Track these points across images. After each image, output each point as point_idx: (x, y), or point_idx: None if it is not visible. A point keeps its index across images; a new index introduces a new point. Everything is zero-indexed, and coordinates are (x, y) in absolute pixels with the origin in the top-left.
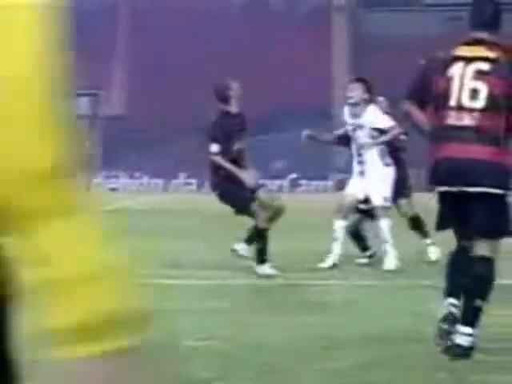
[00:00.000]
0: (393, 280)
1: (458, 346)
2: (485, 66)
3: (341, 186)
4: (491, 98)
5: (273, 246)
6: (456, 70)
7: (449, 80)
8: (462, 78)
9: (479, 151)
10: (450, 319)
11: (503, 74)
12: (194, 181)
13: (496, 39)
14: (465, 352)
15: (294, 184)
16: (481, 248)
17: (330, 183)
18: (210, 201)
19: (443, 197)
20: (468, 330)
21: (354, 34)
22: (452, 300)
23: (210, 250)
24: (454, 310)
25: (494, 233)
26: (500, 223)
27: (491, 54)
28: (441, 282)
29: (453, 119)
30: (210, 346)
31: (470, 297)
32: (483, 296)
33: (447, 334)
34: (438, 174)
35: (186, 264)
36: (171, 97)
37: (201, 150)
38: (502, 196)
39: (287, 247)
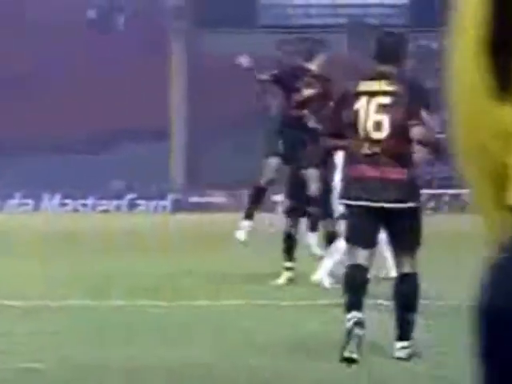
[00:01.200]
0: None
1: (399, 359)
2: (386, 100)
3: (178, 206)
4: (394, 127)
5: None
6: (361, 104)
7: (356, 113)
8: (366, 111)
9: (390, 172)
10: (353, 333)
11: (403, 104)
12: (30, 201)
13: (399, 71)
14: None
15: (133, 204)
16: (405, 265)
17: (167, 203)
18: (47, 221)
19: (354, 211)
20: (405, 343)
21: (191, 55)
22: (353, 314)
23: (47, 269)
24: (353, 323)
25: (416, 248)
26: (418, 237)
27: (391, 88)
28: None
29: (363, 148)
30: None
31: (403, 313)
32: (414, 310)
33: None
34: (354, 190)
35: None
36: (4, 116)
37: (39, 169)
38: (418, 211)
39: (123, 268)
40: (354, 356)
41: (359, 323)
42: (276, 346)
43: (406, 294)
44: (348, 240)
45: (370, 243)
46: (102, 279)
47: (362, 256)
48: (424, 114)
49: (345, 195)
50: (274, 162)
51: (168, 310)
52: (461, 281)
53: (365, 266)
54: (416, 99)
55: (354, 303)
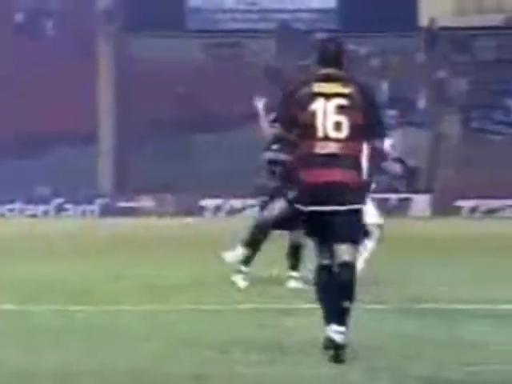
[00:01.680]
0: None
1: (332, 340)
2: (343, 102)
3: (106, 210)
4: (352, 128)
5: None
6: (318, 105)
7: (313, 114)
8: (324, 112)
9: (345, 175)
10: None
11: (358, 106)
12: None
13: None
14: (339, 347)
15: (60, 208)
16: (345, 254)
17: (96, 208)
18: None
19: (312, 215)
20: (341, 328)
21: (120, 59)
22: (333, 327)
23: None
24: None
25: (357, 239)
26: (360, 232)
27: (346, 90)
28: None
29: (320, 148)
30: None
31: (339, 300)
32: (351, 298)
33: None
34: (310, 196)
35: None
36: None
37: None
38: (361, 210)
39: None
40: (334, 337)
41: (332, 341)
42: (203, 350)
43: (344, 280)
44: (311, 239)
45: (327, 240)
46: (30, 284)
47: (323, 255)
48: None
49: (300, 201)
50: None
51: (96, 315)
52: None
53: (328, 263)
54: (370, 102)
55: (331, 313)
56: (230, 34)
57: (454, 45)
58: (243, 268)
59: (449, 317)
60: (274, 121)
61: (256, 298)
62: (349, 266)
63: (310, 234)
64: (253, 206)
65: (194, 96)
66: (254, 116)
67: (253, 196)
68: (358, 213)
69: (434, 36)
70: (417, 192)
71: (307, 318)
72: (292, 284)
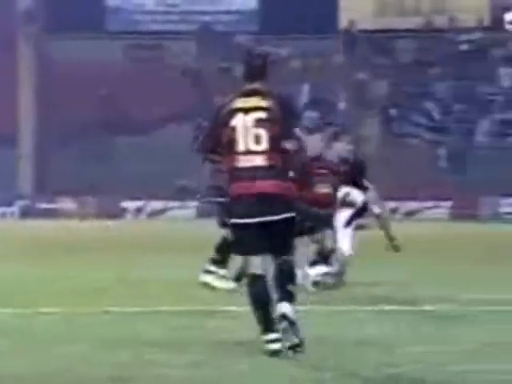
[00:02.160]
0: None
1: (284, 315)
2: (262, 115)
3: (26, 212)
4: (271, 140)
5: None
6: (238, 120)
7: (233, 129)
8: (244, 126)
9: (270, 186)
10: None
11: (276, 118)
12: None
13: (268, 87)
14: (291, 322)
15: None
16: (282, 264)
17: (16, 209)
18: None
19: (242, 227)
20: (288, 306)
21: (40, 60)
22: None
23: None
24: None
25: (291, 250)
26: (292, 242)
27: (265, 104)
28: None
29: (243, 162)
30: None
31: (284, 287)
32: (293, 301)
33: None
34: (239, 209)
35: None
36: None
37: None
38: (294, 218)
39: None
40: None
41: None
42: (124, 352)
43: (286, 272)
44: (240, 252)
45: (260, 251)
46: None
47: (256, 265)
48: (295, 129)
49: (228, 214)
50: None
51: (14, 317)
52: None
53: (261, 273)
54: (287, 115)
55: (267, 321)
56: (151, 35)
57: (373, 47)
58: (220, 271)
59: (366, 317)
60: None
61: (180, 300)
62: (289, 274)
63: (239, 246)
64: (173, 208)
65: (114, 98)
66: (173, 118)
67: (174, 198)
68: (290, 222)
69: (354, 38)
70: None
71: (231, 319)
72: (206, 278)
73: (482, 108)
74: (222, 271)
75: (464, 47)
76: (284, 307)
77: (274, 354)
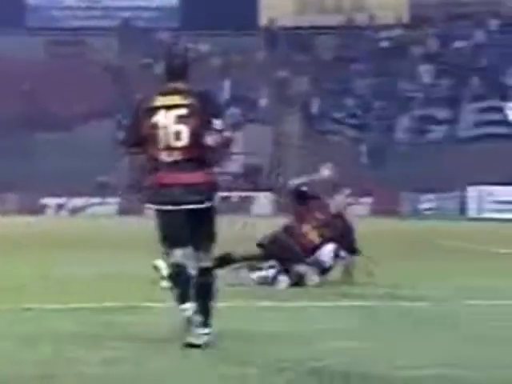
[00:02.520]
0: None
1: (196, 346)
2: (183, 112)
3: None
4: (192, 136)
5: None
6: (159, 117)
7: (155, 126)
8: (165, 123)
9: (191, 177)
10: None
11: (197, 115)
12: None
13: (188, 86)
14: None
15: None
16: (204, 260)
17: None
18: None
19: (163, 215)
20: (205, 330)
21: None
22: (187, 305)
23: None
24: (188, 313)
25: (212, 245)
26: (213, 236)
27: (186, 101)
28: None
29: (164, 156)
30: None
31: (204, 302)
32: (212, 299)
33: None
34: (162, 197)
35: None
36: None
37: None
38: (214, 208)
39: None
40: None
41: (196, 312)
42: (45, 349)
43: (206, 286)
44: (163, 242)
45: (183, 242)
46: None
47: (178, 255)
48: (217, 122)
49: (151, 201)
50: None
51: None
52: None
53: (182, 263)
54: (208, 109)
55: (185, 296)
56: (72, 31)
57: (294, 44)
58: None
59: (292, 312)
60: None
61: (100, 297)
62: (207, 271)
63: (163, 237)
64: (94, 204)
65: (35, 95)
66: (94, 114)
67: (95, 194)
68: (210, 211)
69: (275, 35)
70: (259, 190)
71: (152, 316)
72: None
73: (402, 105)
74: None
75: (384, 44)
76: (197, 338)
77: (188, 321)
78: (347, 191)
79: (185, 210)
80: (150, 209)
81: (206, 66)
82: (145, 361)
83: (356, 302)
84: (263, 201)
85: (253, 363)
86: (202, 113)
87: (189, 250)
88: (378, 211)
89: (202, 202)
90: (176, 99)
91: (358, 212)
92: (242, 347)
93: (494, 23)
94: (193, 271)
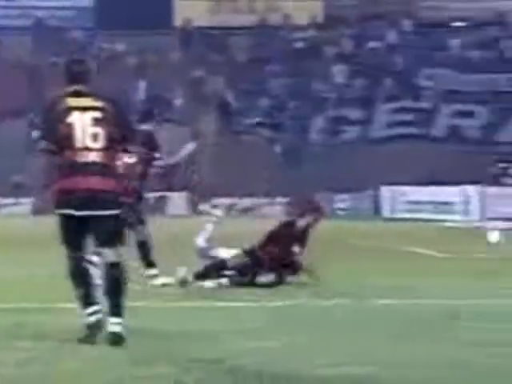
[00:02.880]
0: None
1: (114, 333)
2: (98, 114)
3: None
4: (108, 139)
5: None
6: (75, 118)
7: (70, 126)
8: (82, 124)
9: (103, 183)
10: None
11: (111, 119)
12: None
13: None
14: (120, 338)
15: None
16: (111, 255)
17: None
18: None
19: (68, 219)
20: (118, 319)
21: None
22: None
23: None
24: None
25: (119, 241)
26: (121, 234)
27: (99, 104)
28: None
29: (79, 157)
30: None
31: (115, 296)
32: (123, 293)
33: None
34: (69, 201)
35: None
36: None
37: None
38: (119, 215)
39: None
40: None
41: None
42: None
43: (115, 279)
44: (64, 245)
45: (82, 247)
46: None
47: (80, 258)
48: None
49: (58, 206)
50: None
51: None
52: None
53: (84, 266)
54: (121, 115)
55: (89, 298)
56: None
57: (209, 44)
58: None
59: (211, 312)
60: (41, 138)
61: (14, 298)
62: (117, 265)
63: (65, 238)
64: (7, 205)
65: None
66: (8, 114)
67: (9, 195)
68: (117, 218)
69: (190, 35)
70: (174, 190)
71: (65, 316)
72: (161, 280)
73: (316, 105)
74: (152, 270)
75: (298, 45)
76: (114, 326)
77: (92, 326)
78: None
79: (89, 215)
80: (55, 211)
81: (121, 66)
82: (58, 361)
83: (274, 303)
84: (178, 201)
85: (165, 363)
86: (116, 121)
87: (90, 252)
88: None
89: (109, 209)
90: (89, 101)
91: (273, 212)
92: (156, 347)
93: (407, 24)
94: (97, 271)
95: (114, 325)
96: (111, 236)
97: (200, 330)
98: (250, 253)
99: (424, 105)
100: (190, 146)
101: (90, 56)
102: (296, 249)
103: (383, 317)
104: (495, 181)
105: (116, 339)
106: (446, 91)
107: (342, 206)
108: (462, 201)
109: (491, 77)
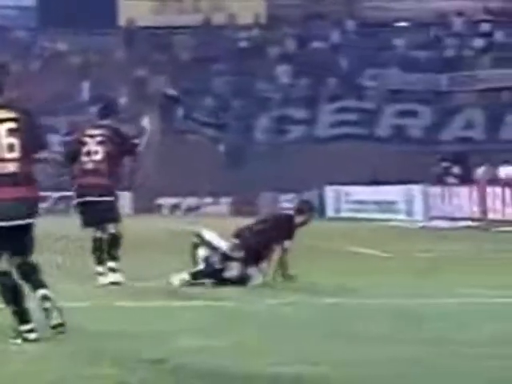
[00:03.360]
0: None
1: (45, 296)
2: (13, 125)
3: None
4: (23, 149)
5: None
6: None
7: None
8: None
9: (22, 191)
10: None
11: (25, 128)
12: None
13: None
14: (53, 302)
15: None
16: (18, 260)
17: None
18: None
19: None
20: (46, 291)
21: None
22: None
23: None
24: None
25: (32, 250)
26: (33, 243)
27: (14, 115)
28: None
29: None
30: None
31: (38, 287)
32: (44, 286)
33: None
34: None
35: None
36: None
37: None
38: (34, 223)
39: None
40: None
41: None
42: None
43: (31, 272)
44: None
45: (7, 251)
46: None
47: (3, 262)
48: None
49: None
50: None
51: None
52: None
53: (7, 270)
54: (33, 124)
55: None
56: None
57: (153, 44)
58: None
59: (155, 312)
60: None
61: None
62: (26, 264)
63: None
64: None
65: None
66: None
67: None
68: (33, 225)
69: (133, 35)
70: (118, 190)
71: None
72: (109, 279)
73: (261, 105)
74: (101, 268)
75: (242, 44)
76: (42, 290)
77: (33, 342)
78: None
79: (19, 224)
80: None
81: (64, 65)
82: (1, 363)
83: (218, 302)
84: (122, 201)
85: (109, 363)
86: (28, 128)
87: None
88: (236, 211)
89: (30, 217)
90: (4, 113)
91: (217, 212)
92: (100, 346)
93: (350, 24)
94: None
95: (43, 299)
96: (28, 244)
97: (146, 329)
98: (239, 235)
99: (368, 105)
100: (145, 121)
101: (32, 56)
102: (287, 244)
103: (330, 316)
104: (438, 180)
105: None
106: (389, 91)
107: (286, 205)
108: (406, 200)
109: (434, 76)
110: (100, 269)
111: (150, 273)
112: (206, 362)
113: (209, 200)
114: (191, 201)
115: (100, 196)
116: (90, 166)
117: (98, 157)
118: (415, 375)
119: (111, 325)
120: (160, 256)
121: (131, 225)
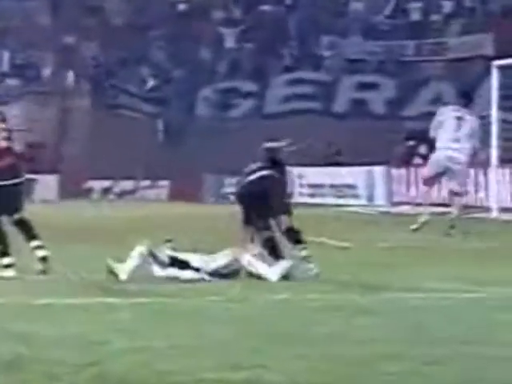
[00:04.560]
0: None
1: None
2: None
3: None
4: None
5: None
6: None
7: None
8: None
9: None
10: None
11: None
12: None
13: None
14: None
15: None
16: None
17: None
18: None
19: None
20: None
21: None
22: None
23: None
24: None
25: None
26: None
27: None
28: None
29: None
30: None
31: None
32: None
33: None
34: None
35: None
36: None
37: None
38: None
39: None
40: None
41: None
42: None
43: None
44: None
45: None
46: None
47: None
48: None
49: None
50: None
51: None
52: None
53: None
54: None
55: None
56: None
57: (81, 8)
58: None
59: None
60: None
61: None
62: None
63: None
64: None
65: None
66: None
67: None
68: None
69: None
70: (42, 172)
71: None
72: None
73: (203, 76)
74: (5, 260)
75: (182, 7)
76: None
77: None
78: None
79: None
80: None
81: None
82: None
83: (149, 299)
84: (47, 184)
85: (30, 368)
86: None
87: None
88: (176, 195)
89: None
90: None
91: (155, 196)
92: (21, 350)
93: None
94: None
95: None
96: None
97: (74, 330)
98: None
99: (324, 76)
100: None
101: None
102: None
103: (273, 314)
104: (403, 161)
105: None
106: (348, 60)
107: (232, 190)
108: (366, 184)
109: (398, 44)
110: (6, 260)
111: (80, 266)
112: (140, 365)
113: (145, 183)
114: (126, 184)
115: None
116: None
117: None
118: (361, 377)
119: (31, 325)
120: (90, 248)
121: (56, 212)
